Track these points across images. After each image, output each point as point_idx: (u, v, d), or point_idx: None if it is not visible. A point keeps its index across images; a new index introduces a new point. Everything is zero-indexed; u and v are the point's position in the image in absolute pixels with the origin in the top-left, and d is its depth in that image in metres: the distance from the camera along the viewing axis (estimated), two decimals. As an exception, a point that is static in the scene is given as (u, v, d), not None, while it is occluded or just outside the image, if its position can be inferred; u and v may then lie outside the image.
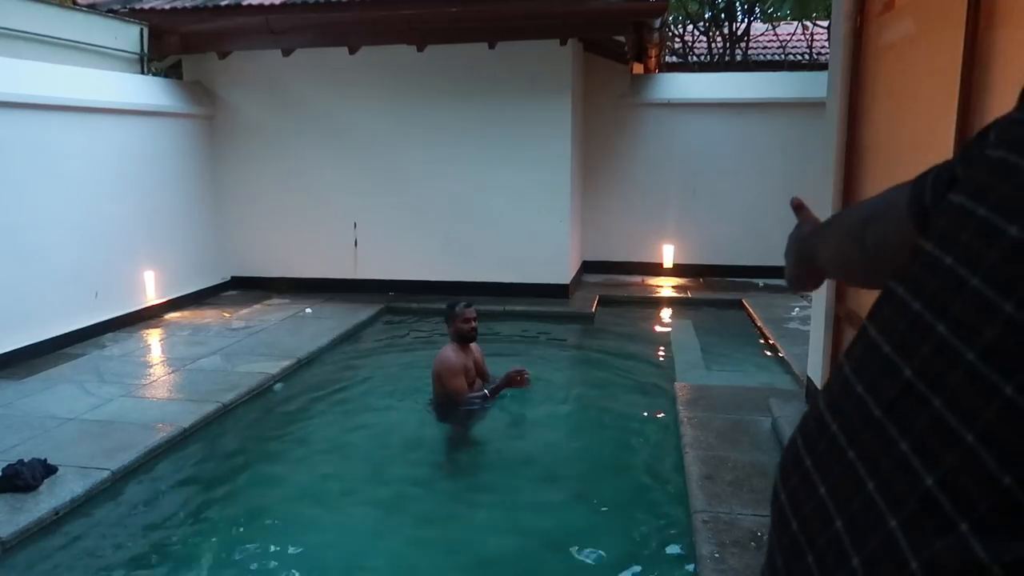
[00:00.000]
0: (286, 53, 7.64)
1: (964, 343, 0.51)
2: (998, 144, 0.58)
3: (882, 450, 0.55)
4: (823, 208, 5.46)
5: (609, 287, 8.29)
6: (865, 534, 0.54)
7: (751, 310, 7.22)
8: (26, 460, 3.53)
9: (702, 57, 12.25)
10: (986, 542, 0.45)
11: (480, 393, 4.66)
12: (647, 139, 8.85)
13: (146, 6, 7.40)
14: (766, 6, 12.34)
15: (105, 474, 3.62)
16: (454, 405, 4.57)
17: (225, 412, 4.62)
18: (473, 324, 4.64)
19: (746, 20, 12.15)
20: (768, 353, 6.07)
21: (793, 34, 11.86)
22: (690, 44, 12.49)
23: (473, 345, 4.76)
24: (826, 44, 10.33)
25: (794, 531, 0.62)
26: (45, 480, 3.48)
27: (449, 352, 4.62)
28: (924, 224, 0.69)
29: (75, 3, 7.49)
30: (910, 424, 0.53)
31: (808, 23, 11.65)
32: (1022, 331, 0.47)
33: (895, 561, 0.50)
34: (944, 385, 0.52)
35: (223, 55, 7.80)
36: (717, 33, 12.21)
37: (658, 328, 7.16)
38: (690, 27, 12.43)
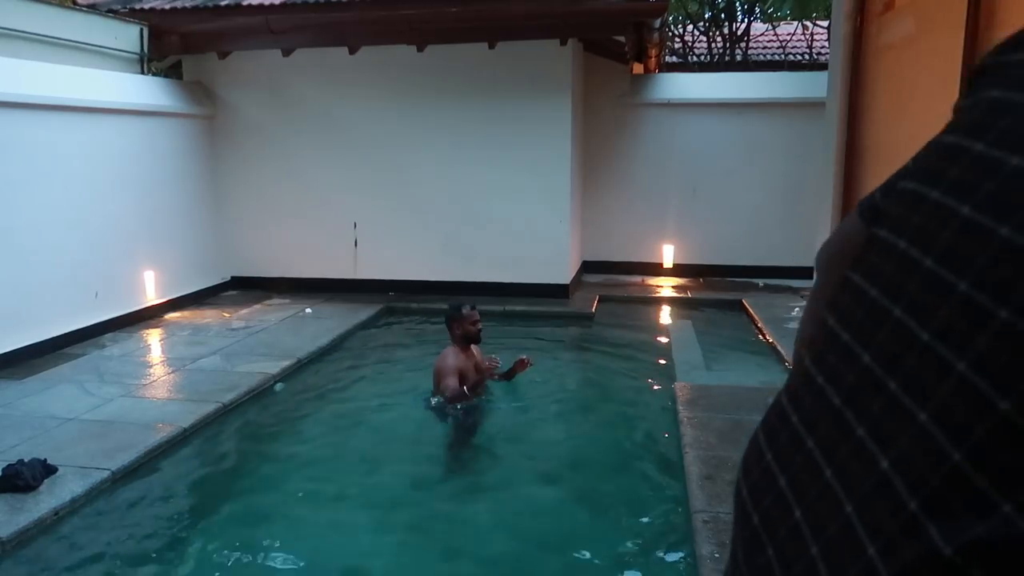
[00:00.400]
0: (286, 53, 7.64)
1: (919, 324, 0.51)
2: (952, 130, 0.59)
3: (840, 437, 0.55)
4: (824, 207, 5.46)
5: (609, 287, 8.29)
6: (823, 522, 0.53)
7: (751, 310, 7.21)
8: (26, 460, 3.53)
9: (702, 57, 12.25)
10: (939, 523, 0.45)
11: (472, 383, 4.65)
12: (647, 139, 8.84)
13: (146, 6, 7.40)
14: (766, 6, 12.34)
15: (105, 474, 3.62)
16: (451, 406, 4.57)
17: (225, 412, 4.61)
18: (479, 325, 4.69)
19: (746, 20, 12.16)
20: (768, 353, 6.07)
21: (793, 34, 11.85)
22: (690, 44, 12.48)
23: (475, 348, 4.78)
24: (826, 44, 10.32)
25: (755, 525, 0.62)
26: (45, 480, 3.47)
27: (450, 355, 4.64)
28: (872, 223, 0.70)
29: (75, 3, 7.49)
30: (867, 409, 0.54)
31: (808, 23, 11.65)
32: (976, 310, 0.47)
33: (852, 548, 0.50)
34: (899, 367, 0.52)
35: (223, 55, 7.80)
36: (717, 33, 12.21)
37: (658, 328, 7.16)
38: (690, 27, 12.43)
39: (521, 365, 4.80)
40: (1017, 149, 0.50)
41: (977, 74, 0.63)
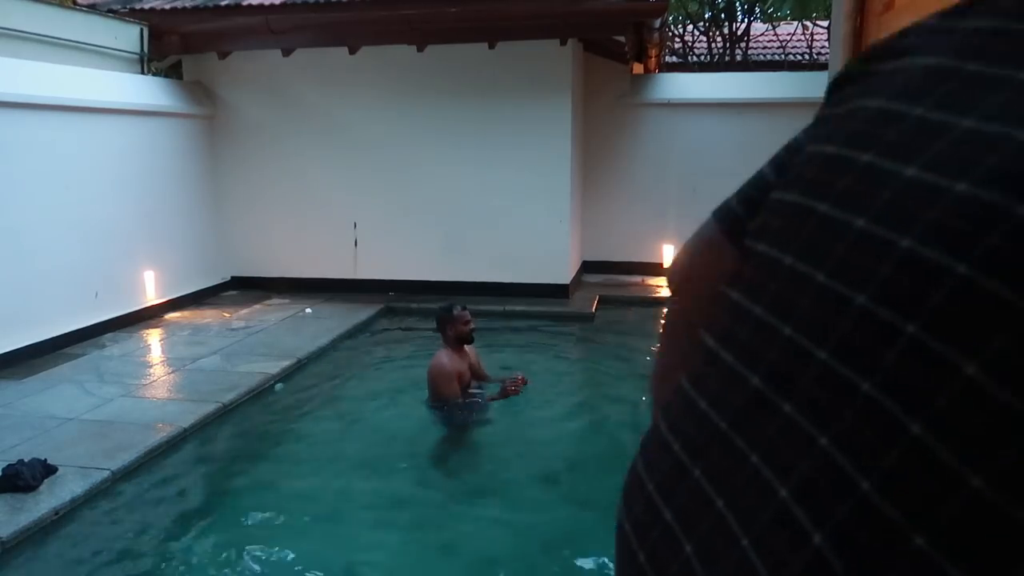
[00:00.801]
0: (286, 53, 7.64)
1: (814, 342, 0.48)
2: (828, 139, 0.56)
3: (731, 464, 0.51)
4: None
5: (609, 287, 8.29)
6: (717, 557, 0.49)
7: (751, 310, 7.20)
8: (26, 460, 3.53)
9: (702, 57, 12.24)
10: (847, 559, 0.41)
11: (473, 400, 4.65)
12: (647, 139, 8.84)
13: (146, 6, 7.40)
14: (766, 6, 12.33)
15: (105, 474, 3.62)
16: (450, 408, 4.56)
17: (225, 412, 4.61)
18: (472, 325, 4.64)
19: (746, 20, 12.15)
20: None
21: (793, 34, 11.85)
22: (690, 44, 12.48)
23: (468, 348, 4.75)
24: (826, 44, 10.33)
25: (641, 563, 0.56)
26: (45, 480, 3.47)
27: (443, 357, 4.58)
28: (737, 235, 0.64)
29: (75, 3, 7.49)
30: (760, 433, 0.49)
31: (808, 23, 11.65)
32: (880, 326, 0.44)
33: None
34: (794, 388, 0.48)
35: (223, 55, 7.80)
36: (717, 33, 12.21)
37: (658, 328, 7.15)
38: (690, 27, 12.43)
39: (509, 392, 4.64)
40: (910, 159, 0.47)
41: (843, 81, 0.60)
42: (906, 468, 0.41)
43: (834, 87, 0.61)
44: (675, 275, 0.78)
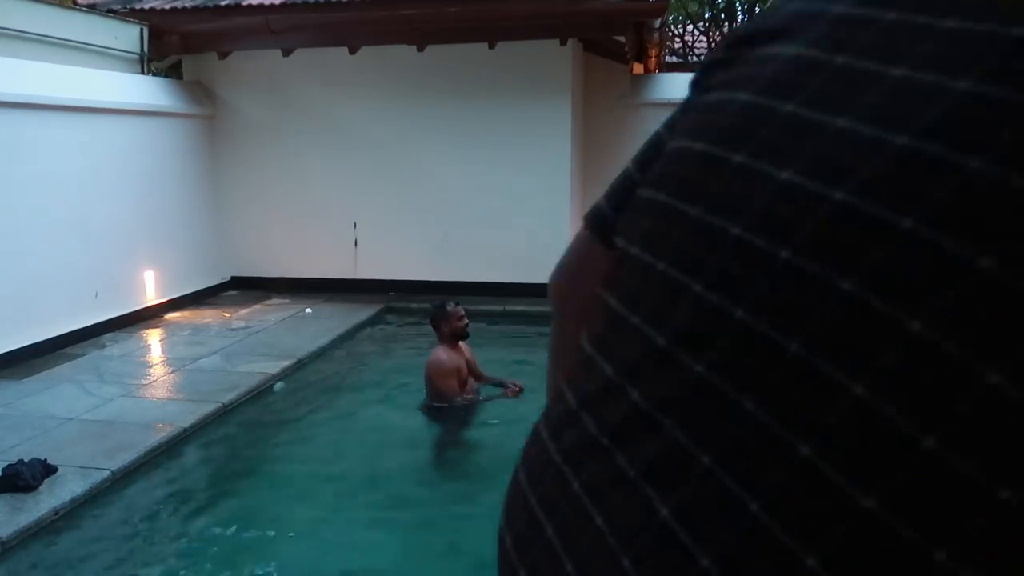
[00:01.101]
0: (286, 53, 7.64)
1: (693, 358, 0.45)
2: (698, 135, 0.53)
3: (610, 480, 0.47)
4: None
5: (609, 287, 8.28)
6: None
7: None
8: (26, 460, 3.52)
9: (702, 57, 12.25)
10: None
11: (473, 399, 4.66)
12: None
13: (146, 6, 7.40)
14: (766, 6, 12.34)
15: (105, 474, 3.62)
16: (450, 406, 4.56)
17: (225, 412, 4.61)
18: (466, 320, 4.65)
19: (746, 20, 12.17)
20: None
21: (793, 34, 11.85)
22: (690, 44, 12.49)
23: (463, 344, 4.75)
24: (826, 44, 10.30)
25: None
26: (45, 480, 3.47)
27: (441, 354, 4.59)
28: (609, 237, 0.61)
29: (75, 3, 7.49)
30: (641, 449, 0.46)
31: (808, 23, 11.65)
32: (763, 340, 0.41)
33: None
34: (674, 407, 0.45)
35: (223, 55, 7.80)
36: (717, 33, 12.23)
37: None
38: (690, 27, 12.44)
39: (514, 387, 4.75)
40: (784, 163, 0.44)
41: (713, 67, 0.56)
42: (794, 487, 0.38)
43: (703, 73, 0.57)
44: (557, 284, 0.74)
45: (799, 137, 0.44)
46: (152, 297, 6.92)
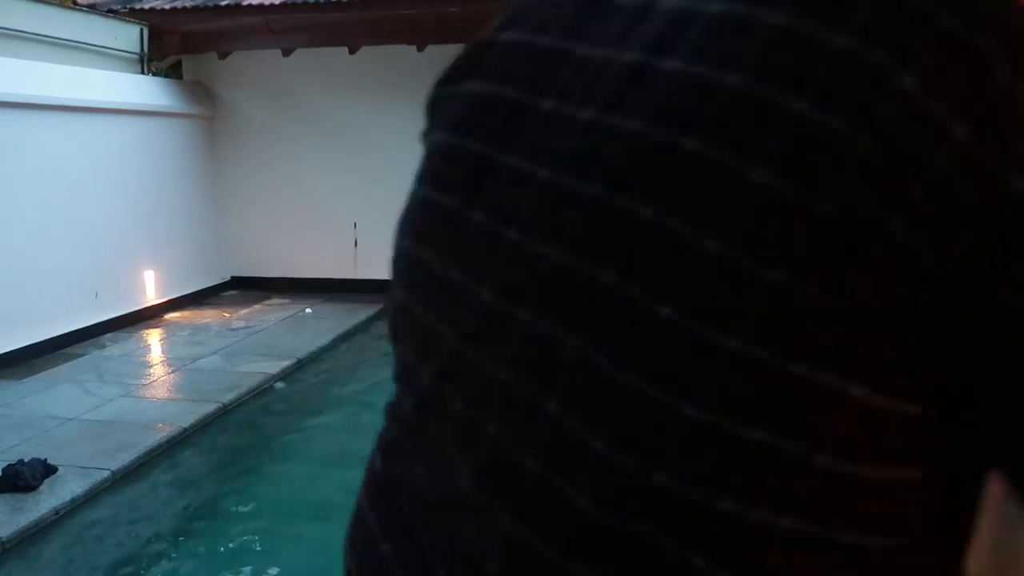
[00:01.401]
0: (286, 53, 7.64)
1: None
2: (424, 180, 0.53)
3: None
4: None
5: (609, 287, 8.29)
6: None
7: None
8: (26, 460, 3.52)
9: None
10: None
11: None
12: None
13: (146, 6, 7.40)
14: None
15: (105, 474, 3.62)
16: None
17: (225, 412, 4.61)
18: None
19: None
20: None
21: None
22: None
23: None
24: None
25: None
26: (45, 480, 3.47)
27: None
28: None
29: (75, 3, 7.49)
30: (441, 428, 0.46)
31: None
32: (537, 341, 0.39)
33: None
34: (458, 381, 0.44)
35: (223, 55, 7.80)
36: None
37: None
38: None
39: None
40: (478, 203, 0.44)
41: (431, 108, 0.57)
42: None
43: (426, 114, 0.57)
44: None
45: (483, 178, 0.45)
46: (152, 297, 6.92)
